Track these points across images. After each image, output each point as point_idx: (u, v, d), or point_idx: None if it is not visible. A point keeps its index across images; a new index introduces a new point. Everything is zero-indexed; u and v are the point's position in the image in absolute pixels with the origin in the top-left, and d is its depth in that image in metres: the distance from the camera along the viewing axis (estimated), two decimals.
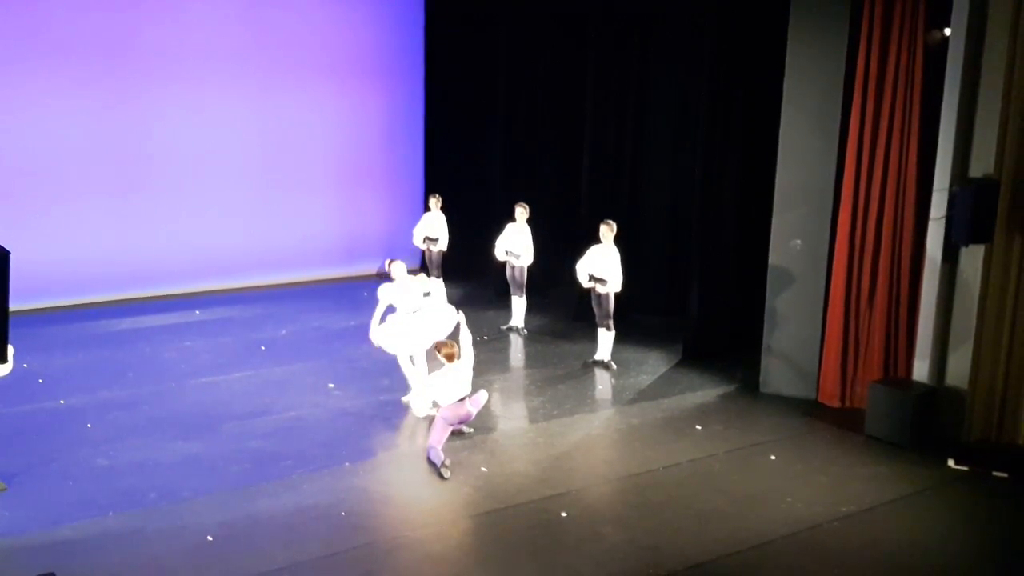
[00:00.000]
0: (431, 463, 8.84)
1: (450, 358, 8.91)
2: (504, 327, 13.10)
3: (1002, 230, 9.32)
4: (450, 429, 9.07)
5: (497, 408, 10.50)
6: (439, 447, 8.87)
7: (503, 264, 13.07)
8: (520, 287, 12.95)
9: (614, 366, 11.68)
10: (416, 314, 10.15)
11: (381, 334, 10.09)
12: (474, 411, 9.14)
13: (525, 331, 13.03)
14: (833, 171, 10.33)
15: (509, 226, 12.90)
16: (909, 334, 10.16)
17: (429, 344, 9.89)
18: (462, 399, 8.97)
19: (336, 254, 15.82)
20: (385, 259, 10.86)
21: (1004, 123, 9.20)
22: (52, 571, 6.59)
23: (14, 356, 8.05)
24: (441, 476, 8.66)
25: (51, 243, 13.26)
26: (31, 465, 8.61)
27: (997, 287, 9.44)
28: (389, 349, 10.16)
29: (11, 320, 7.10)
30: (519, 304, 13.04)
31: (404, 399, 10.33)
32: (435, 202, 13.99)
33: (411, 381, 10.27)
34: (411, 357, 10.26)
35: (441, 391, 8.91)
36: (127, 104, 13.69)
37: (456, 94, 15.90)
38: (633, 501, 8.42)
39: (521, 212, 12.79)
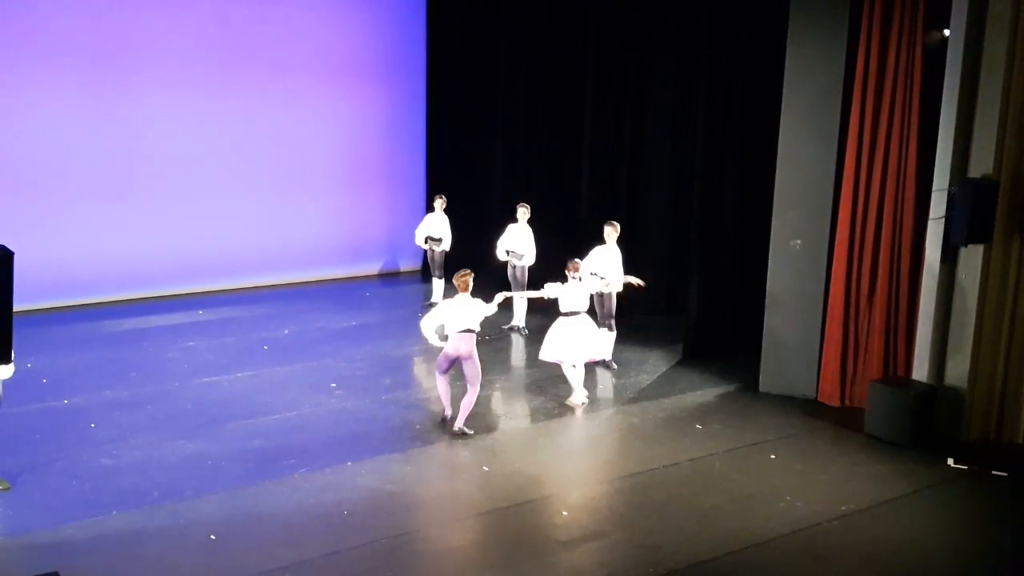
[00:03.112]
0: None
1: (463, 287, 9.55)
2: (505, 327, 13.13)
3: (1001, 230, 9.35)
4: (447, 364, 9.63)
5: (499, 408, 10.55)
6: (443, 377, 9.74)
7: (504, 264, 13.11)
8: (522, 287, 12.98)
9: (615, 366, 11.71)
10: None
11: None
12: (466, 351, 9.50)
13: (526, 331, 13.06)
14: (833, 171, 10.36)
15: (510, 227, 12.93)
16: (908, 333, 10.18)
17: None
18: (465, 331, 9.47)
19: (338, 254, 15.86)
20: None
21: (1003, 123, 9.23)
22: (56, 570, 6.62)
23: (15, 358, 8.12)
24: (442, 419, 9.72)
25: (55, 243, 13.28)
26: (35, 464, 8.65)
27: (996, 287, 9.47)
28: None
29: (15, 320, 7.13)
30: (520, 304, 13.07)
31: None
32: (440, 203, 14.02)
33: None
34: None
35: (450, 318, 9.55)
36: (131, 105, 13.73)
37: (457, 95, 15.93)
38: (634, 500, 8.46)
39: (523, 212, 12.83)
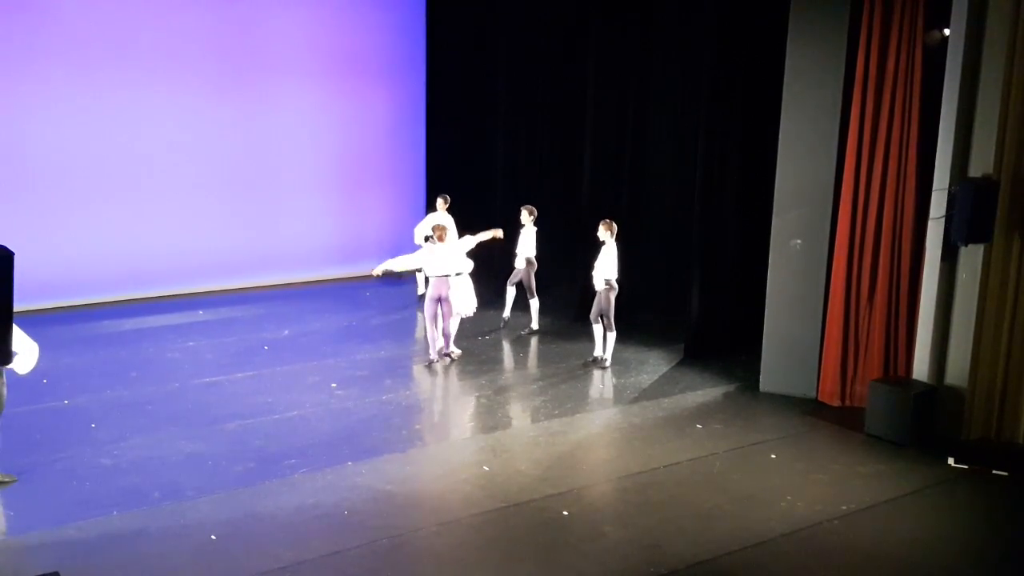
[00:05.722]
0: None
1: (440, 238, 11.33)
2: (524, 331, 13.11)
3: (1001, 230, 9.35)
4: (434, 307, 11.30)
5: (499, 408, 10.55)
6: (432, 324, 11.34)
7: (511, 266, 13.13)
8: (530, 289, 12.97)
9: (607, 364, 11.69)
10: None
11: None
12: (446, 293, 11.27)
13: (535, 330, 13.02)
14: (833, 171, 10.36)
15: (521, 230, 12.93)
16: (909, 333, 10.18)
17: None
18: (445, 276, 11.27)
19: (338, 254, 15.87)
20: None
21: (1003, 123, 9.24)
22: (56, 570, 6.63)
23: (37, 356, 8.21)
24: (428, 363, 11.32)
25: (55, 243, 13.29)
26: (36, 465, 8.66)
27: (996, 286, 9.47)
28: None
29: (16, 320, 7.13)
30: (532, 305, 13.03)
31: None
32: (442, 203, 14.01)
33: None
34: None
35: (429, 265, 11.35)
36: (132, 105, 13.74)
37: (458, 94, 15.93)
38: (634, 500, 8.46)
39: (526, 215, 12.83)
